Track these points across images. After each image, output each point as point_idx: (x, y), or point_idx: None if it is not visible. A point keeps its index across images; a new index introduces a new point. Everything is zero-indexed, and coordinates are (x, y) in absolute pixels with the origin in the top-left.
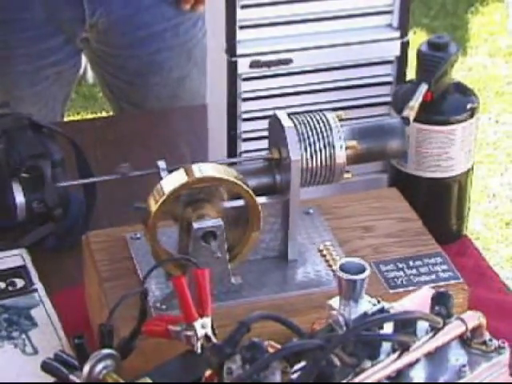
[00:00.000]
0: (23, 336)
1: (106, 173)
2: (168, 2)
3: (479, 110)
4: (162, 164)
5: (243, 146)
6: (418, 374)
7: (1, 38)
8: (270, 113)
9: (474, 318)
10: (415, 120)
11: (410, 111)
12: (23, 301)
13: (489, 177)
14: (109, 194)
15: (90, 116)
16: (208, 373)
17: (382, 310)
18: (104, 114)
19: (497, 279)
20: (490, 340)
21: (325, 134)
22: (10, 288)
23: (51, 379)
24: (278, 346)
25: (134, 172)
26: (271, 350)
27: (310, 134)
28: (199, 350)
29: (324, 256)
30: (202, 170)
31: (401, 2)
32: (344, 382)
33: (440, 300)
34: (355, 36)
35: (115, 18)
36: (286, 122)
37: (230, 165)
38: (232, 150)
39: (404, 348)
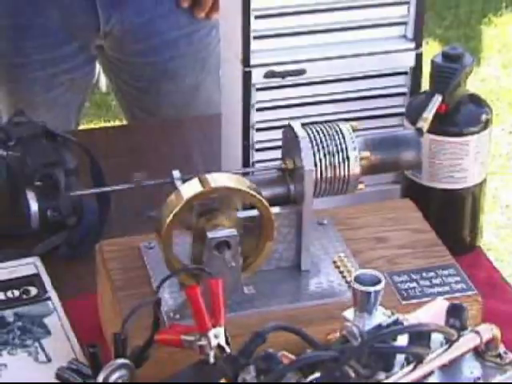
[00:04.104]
0: (36, 344)
1: (120, 181)
2: (182, 10)
3: (492, 121)
4: (176, 173)
5: (257, 156)
6: None
7: (15, 44)
8: (284, 123)
9: (489, 331)
10: (429, 131)
11: (424, 122)
12: (36, 309)
13: (501, 188)
14: (123, 203)
15: (103, 124)
16: (222, 383)
17: (396, 322)
18: (117, 123)
19: (510, 291)
20: (506, 353)
21: (339, 145)
22: (24, 296)
23: None
24: (292, 357)
25: (149, 181)
26: (285, 361)
27: (324, 144)
28: (212, 360)
29: (338, 267)
30: (216, 179)
31: (415, 13)
32: None
33: (454, 312)
34: (369, 47)
35: (129, 25)
36: (301, 132)
37: (244, 175)
38: (246, 160)
39: (418, 360)
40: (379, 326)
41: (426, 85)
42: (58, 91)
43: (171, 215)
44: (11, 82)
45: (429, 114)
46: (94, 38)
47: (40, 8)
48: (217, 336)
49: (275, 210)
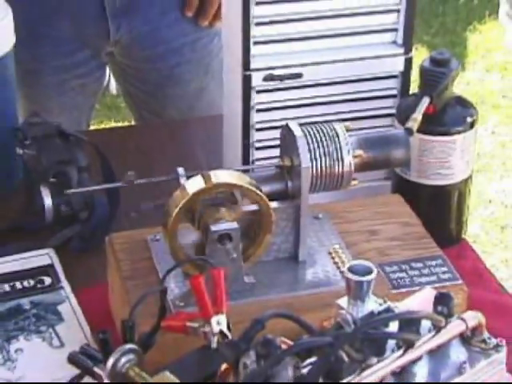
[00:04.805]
0: (50, 330)
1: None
2: (187, 19)
3: (477, 121)
4: (181, 170)
5: (256, 154)
6: (421, 369)
7: (32, 52)
8: (282, 123)
9: (474, 318)
10: (418, 131)
11: (413, 123)
12: (50, 297)
13: (486, 184)
14: (130, 199)
15: (113, 125)
16: (223, 367)
17: (387, 310)
18: (126, 123)
19: (493, 280)
20: (489, 338)
21: (333, 144)
22: (39, 285)
23: (77, 371)
24: (290, 343)
25: (155, 178)
26: (283, 346)
27: (319, 143)
28: (215, 345)
29: (333, 258)
30: (218, 176)
31: (405, 20)
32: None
33: (442, 300)
34: (362, 52)
35: (137, 34)
36: (298, 132)
37: (245, 172)
38: (246, 158)
39: (408, 345)
40: (371, 314)
41: (414, 87)
42: (71, 95)
43: (176, 209)
44: (27, 86)
45: (418, 115)
46: (104, 45)
47: (55, 19)
48: (219, 323)
49: (274, 204)
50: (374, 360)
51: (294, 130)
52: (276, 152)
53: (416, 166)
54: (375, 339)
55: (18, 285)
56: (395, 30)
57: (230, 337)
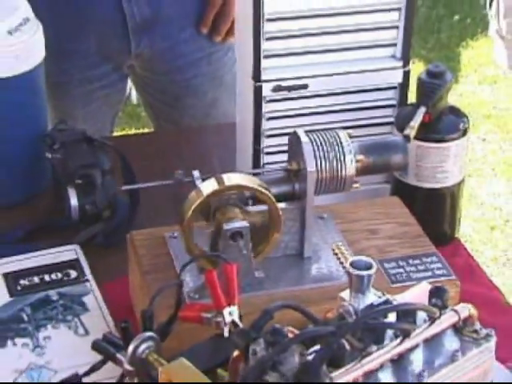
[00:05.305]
0: (76, 319)
1: (148, 180)
2: (202, 35)
3: (470, 130)
4: (196, 173)
5: (266, 159)
6: (417, 357)
7: (60, 66)
8: (290, 130)
9: (466, 310)
10: (415, 138)
11: (411, 130)
12: (76, 289)
13: (477, 188)
14: (150, 199)
15: (133, 132)
16: (235, 354)
17: (386, 302)
18: (146, 130)
19: (484, 276)
20: (480, 329)
21: (337, 149)
22: (65, 278)
23: (100, 357)
24: (296, 332)
25: (172, 180)
26: (290, 335)
27: (324, 148)
28: (227, 334)
29: (336, 254)
30: (230, 178)
31: (403, 36)
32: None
33: (436, 294)
34: (364, 65)
35: (157, 48)
36: (304, 139)
37: (255, 175)
38: (256, 162)
39: (405, 335)
40: (371, 305)
41: (412, 98)
42: (96, 104)
43: (192, 209)
44: (55, 97)
45: (415, 123)
46: (126, 59)
47: (81, 35)
48: (231, 313)
49: (282, 205)
50: (374, 348)
51: (301, 137)
52: (284, 157)
53: (413, 171)
54: (375, 329)
55: (47, 277)
56: (394, 45)
57: (241, 326)
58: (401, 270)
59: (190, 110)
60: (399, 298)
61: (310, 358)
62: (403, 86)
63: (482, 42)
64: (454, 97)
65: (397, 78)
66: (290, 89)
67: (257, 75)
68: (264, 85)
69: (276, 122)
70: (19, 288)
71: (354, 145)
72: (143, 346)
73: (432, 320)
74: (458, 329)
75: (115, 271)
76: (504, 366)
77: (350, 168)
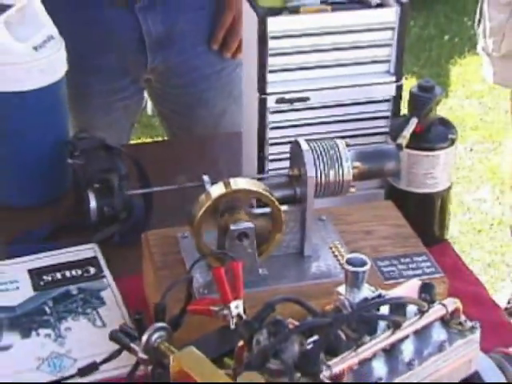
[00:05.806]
0: (94, 312)
1: (162, 184)
2: (213, 51)
3: (458, 140)
4: (205, 178)
5: (270, 165)
6: (407, 347)
7: (82, 79)
8: (292, 139)
9: (453, 303)
10: (407, 147)
11: (403, 140)
12: (95, 284)
13: (464, 194)
14: (163, 202)
15: (148, 140)
16: (240, 343)
17: (379, 296)
18: (160, 139)
19: (470, 274)
20: (466, 321)
21: (335, 157)
22: (85, 274)
23: (116, 346)
24: (296, 323)
25: (184, 184)
26: (291, 326)
27: (323, 156)
28: (233, 326)
29: (333, 253)
30: (237, 183)
31: (396, 53)
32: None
33: (425, 289)
34: (360, 80)
35: (172, 63)
36: (305, 147)
37: (260, 180)
38: (261, 168)
39: (396, 326)
40: (365, 299)
41: (404, 110)
42: (115, 115)
43: (201, 211)
44: (77, 107)
45: (407, 133)
46: (142, 73)
47: (102, 51)
48: (237, 307)
49: (284, 208)
50: (368, 338)
51: (302, 145)
52: (286, 163)
53: (405, 177)
54: (368, 321)
55: (68, 274)
56: (388, 61)
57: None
58: (393, 268)
59: (201, 120)
60: (391, 293)
61: (308, 347)
62: (396, 99)
63: (470, 59)
64: (444, 110)
65: (390, 91)
66: (292, 101)
67: (262, 88)
68: (268, 97)
69: (279, 131)
70: (42, 283)
71: (351, 153)
72: (156, 335)
73: (421, 313)
74: (445, 321)
75: (130, 268)
76: (487, 356)
77: (348, 174)
